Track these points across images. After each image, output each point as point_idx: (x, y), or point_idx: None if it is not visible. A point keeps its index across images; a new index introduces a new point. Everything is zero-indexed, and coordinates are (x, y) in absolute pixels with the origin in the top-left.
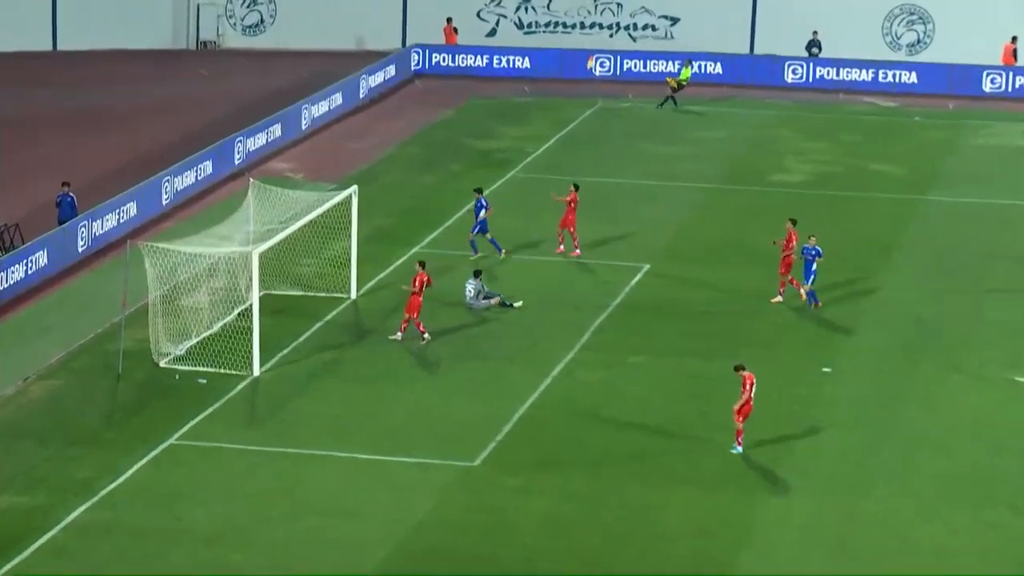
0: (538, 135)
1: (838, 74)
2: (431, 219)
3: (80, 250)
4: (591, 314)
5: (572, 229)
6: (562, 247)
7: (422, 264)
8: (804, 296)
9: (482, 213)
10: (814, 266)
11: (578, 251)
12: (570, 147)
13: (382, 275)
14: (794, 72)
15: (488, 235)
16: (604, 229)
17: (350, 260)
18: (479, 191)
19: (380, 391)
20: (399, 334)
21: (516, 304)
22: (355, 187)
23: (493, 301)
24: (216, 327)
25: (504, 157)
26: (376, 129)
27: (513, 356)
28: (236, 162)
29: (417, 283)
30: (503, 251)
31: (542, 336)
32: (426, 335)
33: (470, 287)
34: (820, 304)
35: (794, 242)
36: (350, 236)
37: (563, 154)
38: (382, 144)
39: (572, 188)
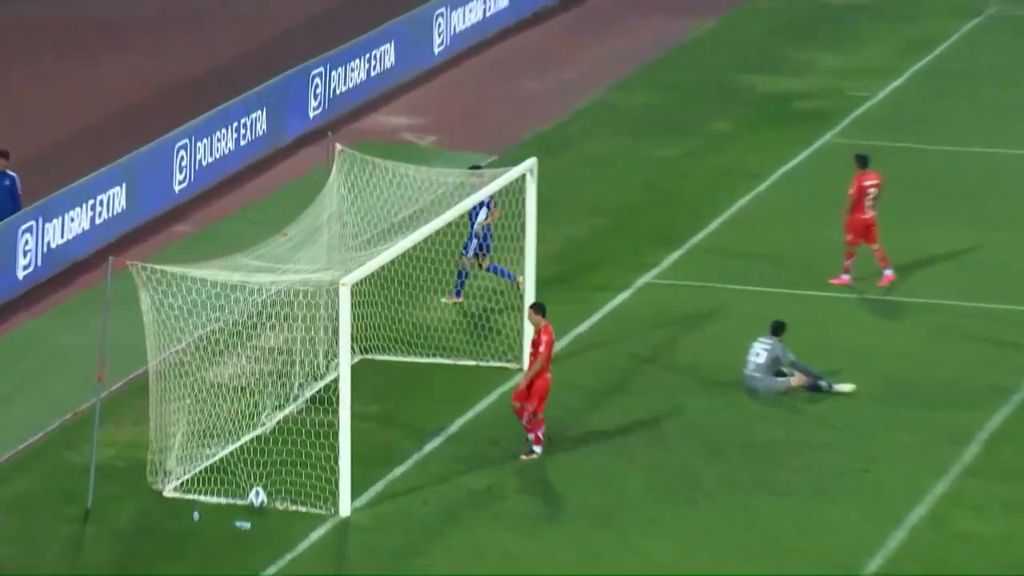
0: (875, 66)
1: None
2: (672, 223)
3: (22, 275)
4: (976, 409)
5: (871, 242)
6: (846, 276)
7: (539, 310)
8: None
9: (482, 215)
10: None
11: (889, 273)
12: (935, 89)
13: (581, 328)
14: None
15: (486, 259)
16: (995, 243)
17: (520, 298)
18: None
19: (579, 544)
20: (535, 448)
21: (840, 387)
22: (532, 162)
23: (793, 381)
24: (270, 423)
25: (812, 107)
26: (571, 55)
27: (833, 485)
28: (310, 114)
29: (545, 344)
30: (517, 279)
31: (887, 449)
32: (537, 448)
33: (761, 350)
34: None
35: None
36: (521, 253)
37: (922, 102)
38: (582, 84)
39: (857, 165)
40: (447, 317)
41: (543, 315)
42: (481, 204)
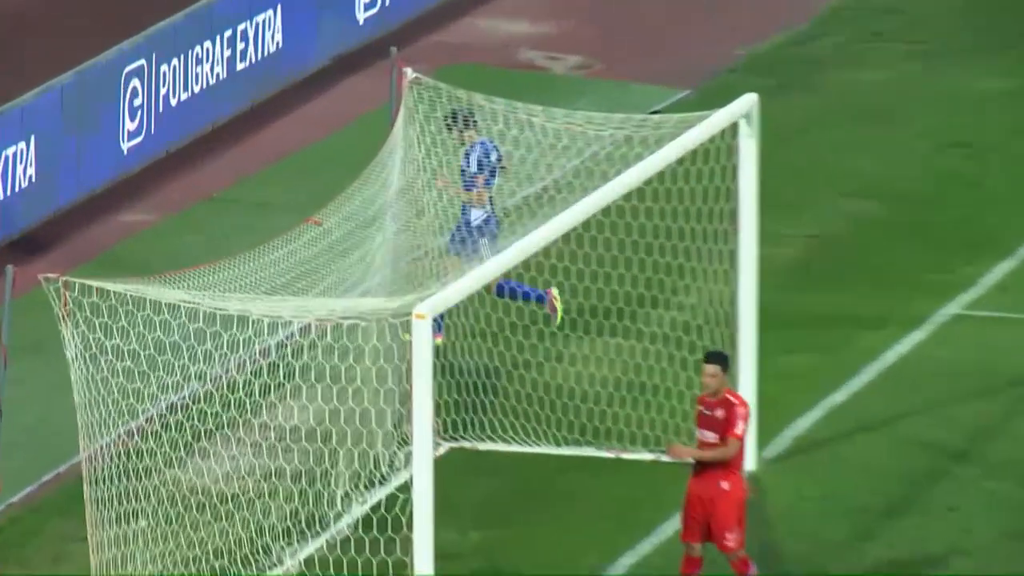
0: None
1: None
2: (1000, 214)
3: None
4: None
5: None
6: None
7: (722, 363)
8: None
9: (486, 176)
10: None
11: None
12: None
13: (838, 396)
14: None
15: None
16: None
17: (731, 342)
18: (461, 121)
19: None
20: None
21: None
22: (751, 102)
23: None
24: (293, 561)
25: None
26: None
27: None
28: (359, 18)
29: (741, 422)
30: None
31: None
32: None
33: None
34: None
35: None
36: (730, 260)
37: None
38: None
39: None
40: (599, 373)
41: (725, 368)
42: (488, 152)
